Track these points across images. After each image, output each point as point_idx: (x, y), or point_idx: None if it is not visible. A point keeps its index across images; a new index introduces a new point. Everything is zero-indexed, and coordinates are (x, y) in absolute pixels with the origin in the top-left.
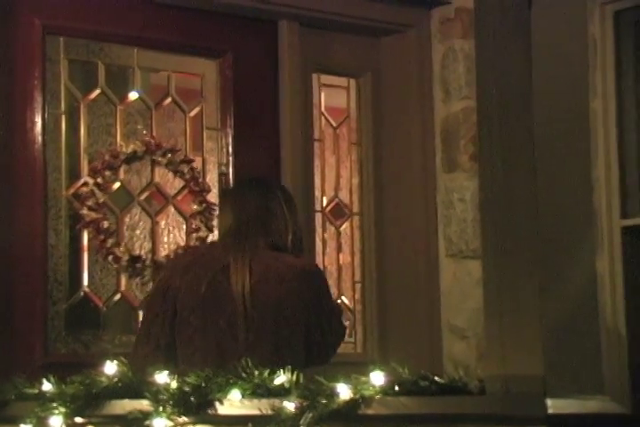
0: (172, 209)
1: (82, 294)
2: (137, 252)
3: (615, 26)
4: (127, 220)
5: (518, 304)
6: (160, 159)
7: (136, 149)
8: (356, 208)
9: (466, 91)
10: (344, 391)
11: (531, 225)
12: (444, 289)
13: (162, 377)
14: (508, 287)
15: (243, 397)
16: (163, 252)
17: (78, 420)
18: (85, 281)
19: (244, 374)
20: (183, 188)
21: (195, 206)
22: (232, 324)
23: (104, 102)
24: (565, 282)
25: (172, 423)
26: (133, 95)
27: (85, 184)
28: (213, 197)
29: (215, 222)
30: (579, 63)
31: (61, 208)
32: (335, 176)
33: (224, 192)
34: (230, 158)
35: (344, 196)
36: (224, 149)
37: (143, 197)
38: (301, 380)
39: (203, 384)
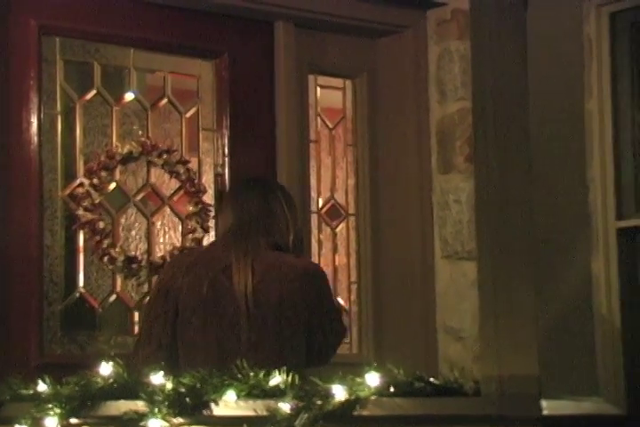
0: (167, 210)
1: (77, 294)
2: (133, 252)
3: (611, 27)
4: (123, 220)
5: (513, 305)
6: (156, 160)
7: (132, 149)
8: (351, 209)
9: (462, 92)
10: (339, 392)
11: (526, 226)
12: (439, 290)
13: (157, 378)
14: (504, 288)
15: (238, 398)
16: (158, 253)
17: (73, 421)
18: (81, 282)
19: (239, 376)
20: (179, 188)
21: (190, 207)
22: (234, 324)
23: (100, 103)
24: (560, 283)
25: (167, 424)
26: (129, 96)
27: (81, 185)
28: (209, 197)
29: (211, 223)
30: (574, 64)
31: (57, 209)
32: (331, 177)
33: (224, 192)
34: (226, 159)
35: (340, 197)
36: (220, 150)
37: (139, 197)
38: (297, 381)
39: (198, 385)
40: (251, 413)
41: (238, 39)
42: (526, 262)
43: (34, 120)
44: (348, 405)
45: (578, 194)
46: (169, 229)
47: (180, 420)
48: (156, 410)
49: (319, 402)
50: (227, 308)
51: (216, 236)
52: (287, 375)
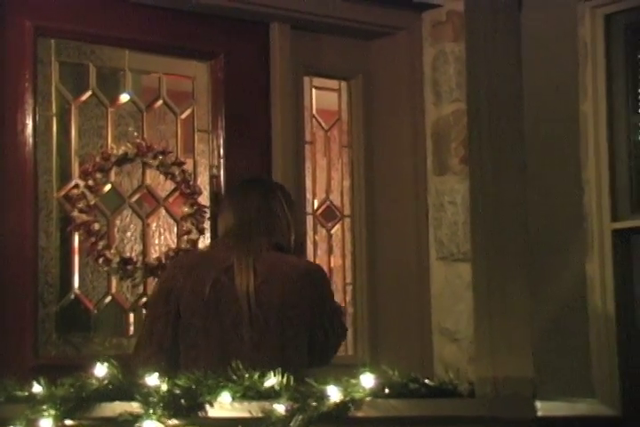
0: (162, 211)
1: (72, 296)
2: (128, 254)
3: (606, 29)
4: (118, 222)
5: (508, 307)
6: (151, 161)
7: (127, 151)
8: (347, 210)
9: (457, 93)
10: (334, 394)
11: (521, 228)
12: (434, 292)
13: (152, 380)
14: (498, 290)
15: (233, 399)
16: (154, 254)
17: (68, 422)
18: (76, 283)
19: (234, 377)
20: (174, 190)
21: (186, 209)
22: (236, 325)
23: (95, 104)
24: (555, 285)
25: (162, 426)
26: (124, 97)
27: (76, 186)
28: (204, 199)
29: (206, 225)
30: (569, 66)
31: (52, 210)
32: (326, 178)
33: (223, 193)
34: (221, 161)
35: (335, 198)
36: (215, 152)
37: (134, 199)
38: (292, 382)
39: (193, 387)
40: (246, 414)
41: (234, 41)
42: (521, 264)
43: (29, 121)
44: (343, 406)
45: (573, 195)
46: (164, 230)
47: (174, 421)
48: (151, 412)
49: (314, 403)
50: (229, 309)
51: (217, 236)
52: (283, 377)
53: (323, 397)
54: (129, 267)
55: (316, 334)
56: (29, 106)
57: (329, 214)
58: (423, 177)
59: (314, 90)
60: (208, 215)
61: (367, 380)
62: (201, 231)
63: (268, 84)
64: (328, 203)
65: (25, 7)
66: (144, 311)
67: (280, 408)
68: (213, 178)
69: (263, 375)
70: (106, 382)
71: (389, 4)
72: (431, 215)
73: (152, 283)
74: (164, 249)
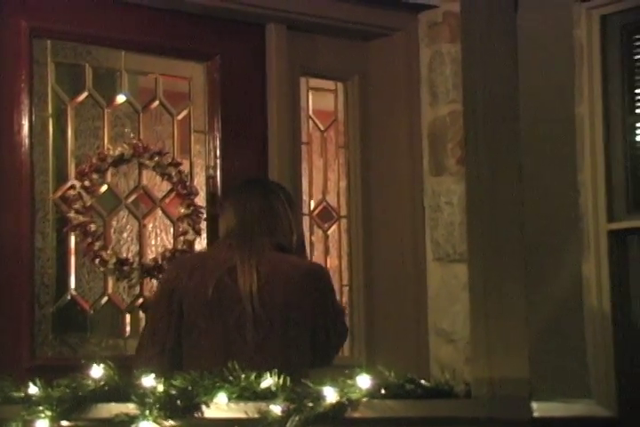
0: (159, 212)
1: (69, 297)
2: (124, 255)
3: (602, 30)
4: (114, 223)
5: (504, 307)
6: (147, 162)
7: (123, 151)
8: (343, 211)
9: (453, 94)
10: (331, 395)
11: (517, 228)
12: (431, 293)
13: (148, 380)
14: (495, 290)
15: (229, 400)
16: (150, 255)
17: (64, 423)
18: (72, 284)
19: (230, 378)
20: (171, 191)
21: (182, 209)
22: (240, 325)
23: (91, 105)
24: (551, 285)
25: None
26: (121, 98)
27: (72, 187)
28: (201, 200)
29: (203, 225)
30: (565, 67)
31: (48, 211)
32: (323, 179)
33: (223, 193)
34: (218, 161)
35: (332, 199)
36: (212, 152)
37: (130, 200)
38: (288, 383)
39: (189, 387)
40: (242, 415)
41: (230, 41)
42: (517, 264)
43: (25, 122)
44: (340, 407)
45: (569, 196)
46: (160, 231)
47: (171, 422)
48: (147, 412)
49: (310, 404)
50: (232, 309)
51: (214, 237)
52: (280, 377)
53: (319, 397)
54: (125, 268)
55: (318, 334)
56: (25, 107)
57: (325, 215)
58: (419, 178)
59: (310, 90)
60: (204, 216)
61: (363, 381)
62: (197, 232)
63: (265, 84)
64: (324, 204)
65: (21, 8)
66: (141, 312)
67: (276, 409)
68: (210, 179)
69: (259, 376)
70: (102, 383)
71: (386, 5)
72: (427, 216)
73: (148, 284)
74: (160, 250)
